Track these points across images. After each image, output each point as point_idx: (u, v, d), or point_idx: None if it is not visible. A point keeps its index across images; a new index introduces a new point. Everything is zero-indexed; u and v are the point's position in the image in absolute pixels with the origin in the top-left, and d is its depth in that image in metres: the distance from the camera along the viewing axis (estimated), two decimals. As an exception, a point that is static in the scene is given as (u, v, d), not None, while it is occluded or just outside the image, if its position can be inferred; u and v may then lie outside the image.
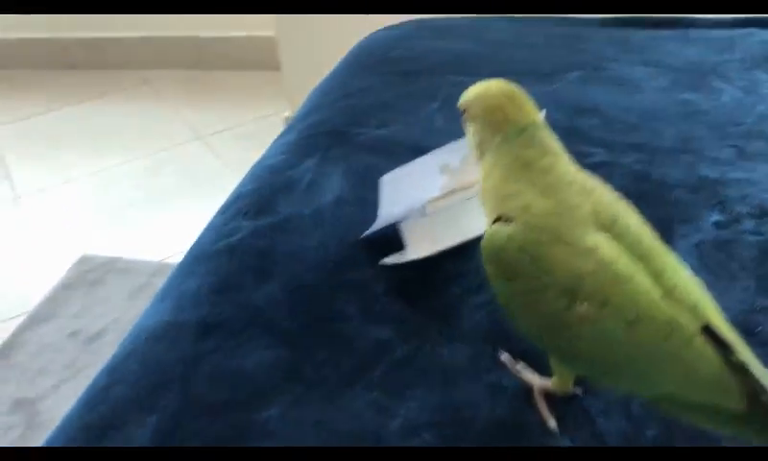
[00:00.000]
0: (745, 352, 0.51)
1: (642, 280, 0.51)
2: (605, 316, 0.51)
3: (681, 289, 0.52)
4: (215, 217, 0.88)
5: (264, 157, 0.98)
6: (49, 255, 1.96)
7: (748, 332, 0.66)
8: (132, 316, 1.70)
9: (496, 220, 0.55)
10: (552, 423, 0.60)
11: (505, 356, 0.64)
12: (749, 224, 0.78)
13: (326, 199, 0.85)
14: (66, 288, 1.83)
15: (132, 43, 2.77)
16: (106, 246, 2.04)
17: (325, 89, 1.11)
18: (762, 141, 0.90)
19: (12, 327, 1.71)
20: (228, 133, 2.39)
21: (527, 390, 0.62)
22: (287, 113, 2.19)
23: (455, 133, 0.97)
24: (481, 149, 0.59)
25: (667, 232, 0.78)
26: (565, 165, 0.57)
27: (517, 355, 0.64)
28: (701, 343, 0.50)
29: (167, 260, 1.89)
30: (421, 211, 0.73)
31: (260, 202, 0.87)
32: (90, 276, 1.88)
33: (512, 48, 1.17)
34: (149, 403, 0.63)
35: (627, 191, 0.84)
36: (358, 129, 0.99)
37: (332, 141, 0.97)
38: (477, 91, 0.61)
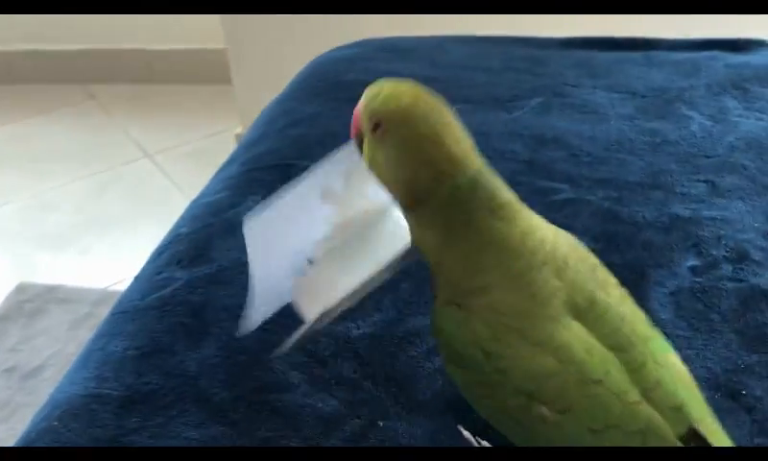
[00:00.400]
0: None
1: (616, 381, 0.45)
2: (567, 421, 0.45)
3: (663, 388, 0.46)
4: (147, 264, 0.80)
5: (203, 194, 0.90)
6: (-18, 285, 1.85)
7: (732, 396, 0.61)
8: (74, 349, 1.64)
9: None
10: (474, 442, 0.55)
11: (466, 434, 0.58)
12: (727, 268, 0.73)
13: (270, 244, 0.77)
14: (2, 320, 1.73)
15: (76, 56, 2.66)
16: (45, 274, 1.94)
17: (271, 116, 1.04)
18: (735, 175, 0.85)
19: (-61, 364, 1.60)
20: (177, 150, 2.31)
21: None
22: (239, 130, 2.12)
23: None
24: (411, 190, 0.48)
25: (640, 279, 0.73)
26: (532, 230, 0.49)
27: (481, 429, 0.57)
28: None
29: (111, 288, 1.80)
30: (307, 265, 0.55)
31: (197, 247, 0.79)
32: (28, 306, 1.78)
33: (470, 72, 1.11)
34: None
35: (595, 232, 0.79)
36: (307, 162, 0.91)
37: (278, 176, 0.89)
38: (396, 101, 0.49)
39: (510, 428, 0.49)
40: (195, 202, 0.89)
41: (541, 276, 0.47)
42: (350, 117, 1.02)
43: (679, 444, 0.44)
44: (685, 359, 0.62)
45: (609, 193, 0.83)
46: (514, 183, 0.86)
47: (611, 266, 0.73)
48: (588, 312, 0.47)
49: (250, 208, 0.84)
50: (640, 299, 0.70)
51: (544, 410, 0.45)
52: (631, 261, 0.74)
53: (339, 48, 1.24)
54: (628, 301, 0.51)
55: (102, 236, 1.98)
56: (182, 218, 0.86)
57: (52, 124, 2.50)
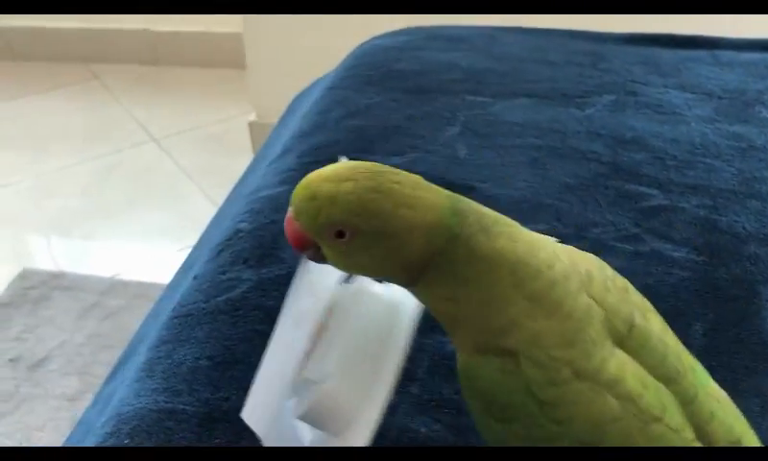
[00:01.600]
0: None
1: (673, 416, 0.40)
2: None
3: (718, 421, 0.41)
4: (206, 263, 0.73)
5: (260, 187, 0.83)
6: (-16, 270, 1.77)
7: None
8: (82, 339, 1.58)
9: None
10: None
11: None
12: (842, 288, 0.67)
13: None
14: (5, 307, 1.66)
15: (79, 34, 2.57)
16: (48, 259, 1.87)
17: (324, 106, 0.97)
18: (832, 184, 0.80)
19: (-59, 352, 1.53)
20: (185, 135, 2.23)
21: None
22: (252, 117, 2.04)
23: (482, 164, 0.85)
24: (408, 268, 0.42)
25: (752, 296, 0.67)
26: (538, 242, 0.43)
27: None
28: None
29: (119, 277, 1.73)
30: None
31: (262, 246, 0.72)
32: (32, 293, 1.71)
33: (531, 65, 1.05)
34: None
35: (697, 243, 0.73)
36: (370, 156, 0.85)
37: (340, 170, 0.83)
38: (346, 200, 0.41)
39: None
40: (252, 194, 0.82)
41: (568, 292, 0.41)
42: (408, 108, 0.96)
43: None
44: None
45: (703, 201, 0.78)
46: (600, 187, 0.81)
47: (717, 282, 0.69)
48: (628, 338, 0.41)
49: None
50: (752, 316, 0.65)
51: None
52: (739, 276, 0.69)
53: (385, 35, 1.17)
54: (668, 329, 0.45)
55: (107, 222, 1.91)
56: (240, 212, 0.79)
57: (53, 102, 2.42)
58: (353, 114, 0.94)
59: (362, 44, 1.16)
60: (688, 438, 0.41)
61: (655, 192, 0.79)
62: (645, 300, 0.45)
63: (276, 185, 0.83)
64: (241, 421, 0.53)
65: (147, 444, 0.54)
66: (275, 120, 1.19)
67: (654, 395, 0.40)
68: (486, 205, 0.75)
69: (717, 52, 1.09)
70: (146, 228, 1.88)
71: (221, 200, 1.05)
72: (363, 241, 0.41)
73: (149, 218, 1.90)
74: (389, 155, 0.86)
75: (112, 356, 1.39)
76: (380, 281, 0.49)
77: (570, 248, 0.44)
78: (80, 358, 1.53)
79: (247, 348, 0.61)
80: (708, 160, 0.84)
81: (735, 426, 0.43)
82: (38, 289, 1.72)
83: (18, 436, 1.38)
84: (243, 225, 0.76)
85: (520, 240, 0.42)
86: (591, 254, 0.45)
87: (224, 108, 2.30)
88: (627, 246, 0.72)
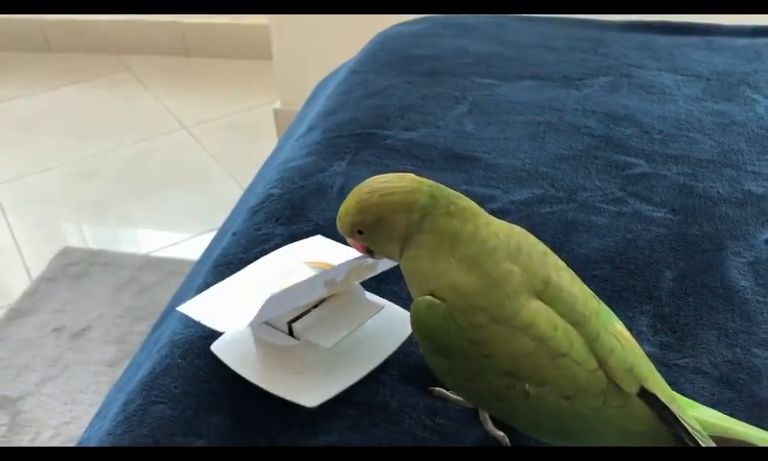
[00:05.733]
0: (676, 406, 0.52)
1: (578, 352, 0.52)
2: (544, 393, 0.51)
3: (616, 354, 0.52)
4: (243, 222, 0.83)
5: (288, 159, 0.94)
6: (28, 247, 1.89)
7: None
8: (118, 312, 1.68)
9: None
10: (505, 439, 0.60)
11: (437, 390, 0.63)
12: (802, 242, 0.76)
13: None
14: (48, 281, 1.77)
15: (112, 26, 2.68)
16: (87, 238, 1.97)
17: (347, 87, 1.07)
18: (803, 156, 0.88)
19: (-8, 322, 1.64)
20: (214, 123, 2.33)
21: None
22: (277, 105, 2.14)
23: (486, 138, 0.94)
24: (398, 238, 0.56)
25: (718, 249, 0.77)
26: (486, 226, 0.55)
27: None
28: (636, 404, 0.52)
29: (154, 254, 1.84)
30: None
31: (292, 207, 0.83)
32: (73, 269, 1.81)
33: (536, 50, 1.14)
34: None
35: (674, 205, 0.83)
36: (386, 131, 0.95)
37: (360, 144, 0.93)
38: (347, 209, 0.57)
39: (494, 406, 0.55)
40: (282, 165, 0.92)
41: (493, 259, 0.53)
42: (422, 89, 1.06)
43: (632, 398, 0.52)
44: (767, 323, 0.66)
45: (683, 169, 0.87)
46: (591, 157, 0.91)
47: (689, 237, 0.78)
48: (543, 292, 0.53)
49: (336, 172, 0.88)
50: (718, 266, 0.74)
51: (525, 387, 0.51)
52: (709, 233, 0.78)
53: (404, 24, 1.27)
54: (577, 281, 0.56)
55: (141, 204, 2.01)
56: (271, 179, 0.90)
57: (87, 93, 2.52)
58: (373, 94, 1.04)
59: (382, 32, 1.26)
60: (592, 368, 0.51)
61: (641, 162, 0.88)
62: (559, 260, 0.56)
63: (303, 157, 0.93)
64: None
65: (197, 362, 0.65)
66: (298, 107, 1.29)
67: (562, 334, 0.51)
68: (488, 172, 0.86)
69: (711, 38, 1.18)
70: (177, 209, 1.98)
71: (246, 183, 1.14)
72: (370, 230, 0.56)
73: (180, 200, 2.00)
74: (404, 130, 0.96)
75: (146, 327, 1.49)
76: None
77: (513, 226, 0.56)
78: (117, 329, 1.63)
79: (279, 288, 0.72)
80: (691, 134, 0.93)
81: (629, 357, 0.52)
82: (78, 266, 1.82)
83: (64, 397, 1.48)
84: (275, 190, 0.87)
85: (474, 222, 0.54)
86: (523, 229, 0.57)
87: (250, 97, 2.40)
88: (611, 207, 0.81)
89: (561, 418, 0.52)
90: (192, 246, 1.85)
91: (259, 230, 0.80)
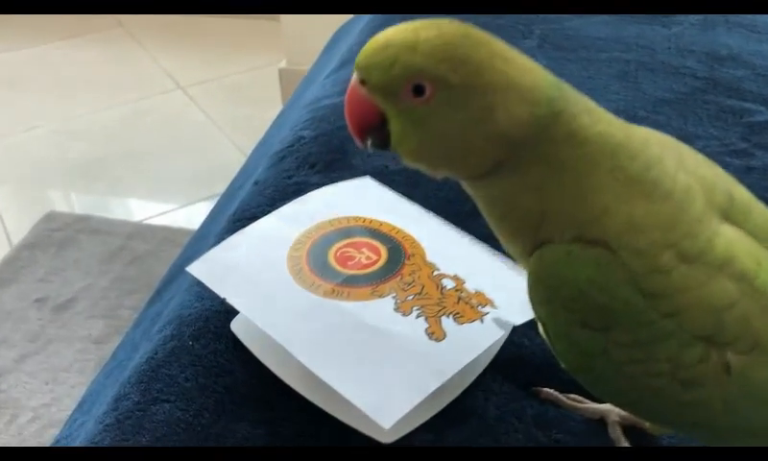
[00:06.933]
0: None
1: None
2: (753, 365, 0.34)
3: None
4: (265, 170, 0.66)
5: (319, 97, 0.77)
6: (9, 211, 1.73)
7: None
8: (107, 283, 1.53)
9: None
10: None
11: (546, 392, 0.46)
12: None
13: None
14: (30, 248, 1.61)
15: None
16: (74, 204, 1.83)
17: (383, 21, 0.90)
18: None
19: (-34, 291, 1.48)
20: (213, 83, 2.18)
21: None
22: (282, 64, 1.99)
23: (567, 76, 0.77)
24: (495, 147, 0.35)
25: None
26: (634, 128, 0.37)
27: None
28: None
29: (147, 222, 1.68)
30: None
31: (330, 151, 0.66)
32: (58, 235, 1.66)
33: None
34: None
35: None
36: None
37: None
38: (442, 48, 0.34)
39: (661, 405, 0.36)
40: (311, 105, 0.75)
41: (667, 171, 0.35)
42: (479, 19, 0.89)
43: None
44: None
45: (813, 118, 0.71)
46: (699, 102, 0.74)
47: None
48: (728, 211, 0.36)
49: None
50: None
51: (730, 356, 0.34)
52: None
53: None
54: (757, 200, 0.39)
55: (133, 169, 1.86)
56: (299, 119, 0.73)
57: (78, 49, 2.37)
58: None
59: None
60: None
61: (762, 109, 0.72)
62: (728, 174, 0.39)
63: (337, 95, 0.76)
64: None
65: (215, 345, 0.48)
66: (305, 67, 1.14)
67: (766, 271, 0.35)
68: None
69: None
70: (172, 175, 1.84)
71: (248, 148, 1.00)
72: (448, 98, 0.34)
73: (176, 165, 1.85)
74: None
75: (138, 301, 1.35)
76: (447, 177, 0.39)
77: (650, 130, 0.38)
78: (105, 301, 1.48)
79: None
80: (812, 79, 0.77)
81: None
82: (64, 231, 1.67)
83: (44, 376, 1.34)
84: (306, 132, 0.70)
85: (615, 124, 0.36)
86: (669, 136, 0.39)
87: (251, 57, 2.25)
88: (736, 160, 0.65)
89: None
90: (188, 214, 1.72)
91: (290, 178, 0.63)
